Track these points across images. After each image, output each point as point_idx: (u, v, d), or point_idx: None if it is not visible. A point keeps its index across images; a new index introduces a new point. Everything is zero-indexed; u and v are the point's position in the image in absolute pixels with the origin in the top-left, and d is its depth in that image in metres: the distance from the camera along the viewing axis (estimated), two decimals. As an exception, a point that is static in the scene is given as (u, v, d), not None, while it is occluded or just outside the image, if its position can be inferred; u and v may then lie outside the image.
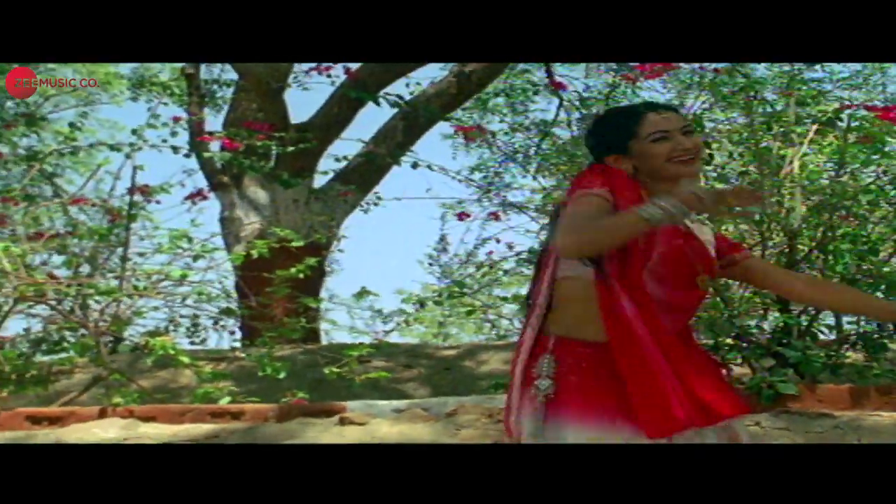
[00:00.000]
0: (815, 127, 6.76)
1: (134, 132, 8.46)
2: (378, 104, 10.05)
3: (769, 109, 7.36)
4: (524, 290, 2.89)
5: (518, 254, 9.97)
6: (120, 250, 7.81)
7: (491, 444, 2.73)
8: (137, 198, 8.18)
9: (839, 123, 6.79)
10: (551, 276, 2.88)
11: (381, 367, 7.40)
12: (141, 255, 8.11)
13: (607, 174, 2.81)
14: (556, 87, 11.11)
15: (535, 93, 12.00)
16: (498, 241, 8.95)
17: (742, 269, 3.05)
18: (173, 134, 9.32)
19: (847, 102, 7.50)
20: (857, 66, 9.25)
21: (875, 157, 6.64)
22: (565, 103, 11.05)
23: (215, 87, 12.14)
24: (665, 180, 2.86)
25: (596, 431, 2.69)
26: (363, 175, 10.70)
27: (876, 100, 7.48)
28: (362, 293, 7.97)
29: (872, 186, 6.50)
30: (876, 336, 6.36)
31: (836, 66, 9.42)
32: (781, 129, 6.85)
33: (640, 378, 2.68)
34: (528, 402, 2.78)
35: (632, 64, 9.45)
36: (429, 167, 9.77)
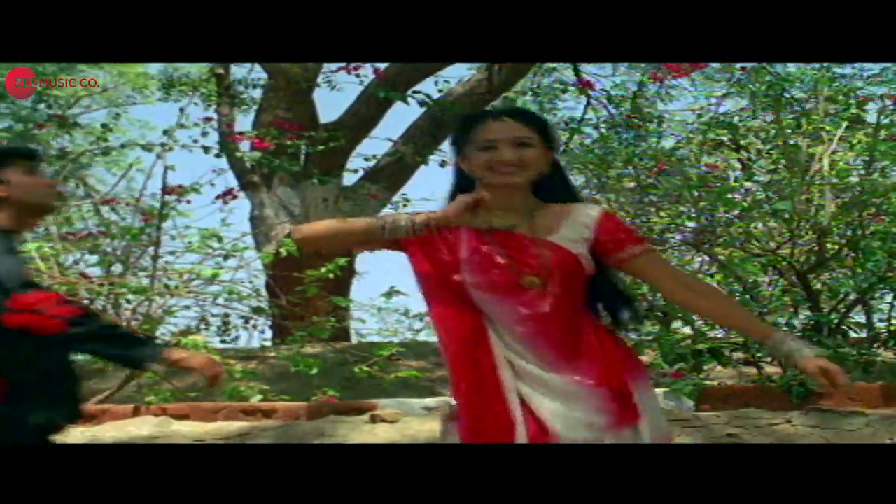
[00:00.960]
0: (845, 124, 6.74)
1: (165, 132, 8.53)
2: (407, 103, 10.09)
3: (798, 107, 7.35)
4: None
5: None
6: (151, 250, 7.86)
7: (523, 443, 2.72)
8: (169, 197, 8.23)
9: (868, 120, 6.77)
10: None
11: (411, 366, 7.41)
12: (172, 254, 8.17)
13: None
14: (583, 86, 11.12)
15: (564, 91, 11.98)
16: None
17: (632, 269, 2.99)
18: (204, 134, 9.40)
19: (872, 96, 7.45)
20: (886, 63, 9.20)
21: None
22: (593, 102, 11.06)
23: (244, 87, 12.18)
24: (487, 187, 2.90)
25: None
26: (392, 174, 10.72)
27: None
28: (391, 293, 7.98)
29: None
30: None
31: (865, 63, 9.38)
32: (811, 127, 6.83)
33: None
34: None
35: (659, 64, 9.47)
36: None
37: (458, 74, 11.50)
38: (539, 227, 2.94)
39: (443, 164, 10.47)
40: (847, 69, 8.95)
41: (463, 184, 2.99)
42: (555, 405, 2.75)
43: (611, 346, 2.90)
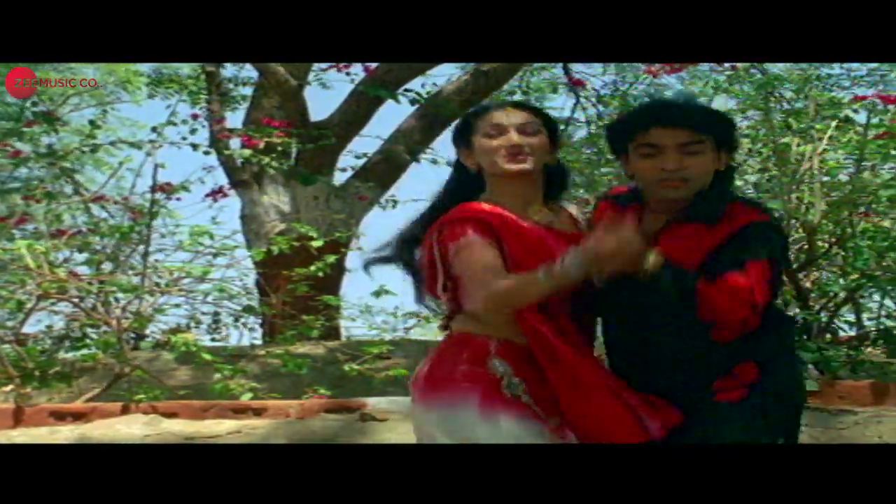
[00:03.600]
0: (834, 123, 6.75)
1: (154, 130, 8.52)
2: (398, 101, 10.08)
3: (787, 106, 7.36)
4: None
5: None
6: (141, 248, 7.84)
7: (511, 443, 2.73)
8: (158, 195, 8.22)
9: (856, 118, 6.79)
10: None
11: (401, 364, 7.40)
12: (162, 251, 8.17)
13: (464, 223, 2.87)
14: (574, 85, 11.12)
15: (554, 90, 11.99)
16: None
17: None
18: (193, 131, 9.39)
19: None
20: (874, 63, 9.23)
21: (894, 152, 6.63)
22: (582, 101, 11.07)
23: (234, 84, 12.15)
24: (495, 176, 2.94)
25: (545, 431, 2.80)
26: (382, 173, 10.69)
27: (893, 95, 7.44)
28: (380, 292, 7.96)
29: (892, 182, 6.47)
30: (896, 333, 6.38)
31: (853, 64, 9.41)
32: (801, 126, 6.84)
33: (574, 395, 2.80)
34: (501, 403, 2.81)
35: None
36: (448, 164, 9.79)
37: (449, 73, 11.49)
38: (562, 223, 3.00)
39: (434, 162, 10.46)
40: (835, 69, 8.99)
41: (463, 179, 2.99)
42: None
43: None
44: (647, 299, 2.77)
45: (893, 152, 6.65)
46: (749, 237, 2.75)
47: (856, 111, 6.86)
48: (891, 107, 6.76)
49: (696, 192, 2.85)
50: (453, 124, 3.14)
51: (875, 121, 6.75)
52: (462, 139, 3.02)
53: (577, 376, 2.78)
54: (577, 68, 11.74)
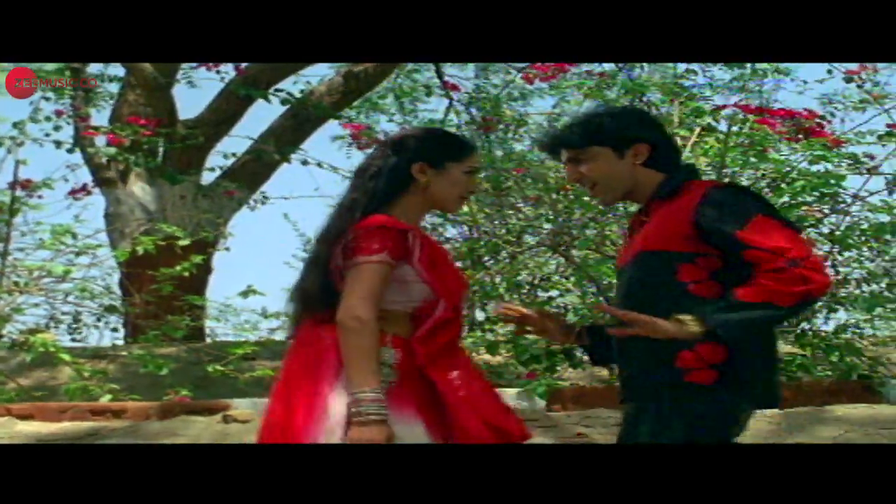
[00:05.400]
0: (698, 130, 6.90)
1: (15, 125, 8.31)
2: (268, 101, 9.99)
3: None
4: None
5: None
6: (1, 246, 7.66)
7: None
8: (19, 192, 8.04)
9: (719, 127, 6.95)
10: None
11: (266, 366, 7.34)
12: (22, 250, 7.99)
13: (383, 236, 2.89)
14: (447, 88, 11.17)
15: (428, 94, 12.03)
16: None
17: None
18: (56, 128, 9.18)
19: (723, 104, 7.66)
20: (735, 71, 9.46)
21: (753, 160, 6.80)
22: (455, 103, 11.12)
23: (101, 81, 11.92)
24: (435, 204, 3.11)
25: (422, 428, 2.84)
26: (252, 173, 10.60)
27: (752, 104, 7.64)
28: (248, 292, 7.89)
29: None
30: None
31: (716, 72, 9.63)
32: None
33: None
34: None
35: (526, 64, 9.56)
36: (319, 165, 9.80)
37: (321, 73, 11.44)
38: None
39: (304, 162, 10.37)
40: (699, 78, 9.17)
41: (396, 186, 3.00)
42: None
43: None
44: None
45: (753, 160, 6.82)
46: (717, 202, 2.84)
47: (717, 121, 7.02)
48: (750, 116, 6.93)
49: (618, 190, 3.06)
50: (420, 135, 3.21)
51: (736, 129, 6.91)
52: (437, 160, 3.05)
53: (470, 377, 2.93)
54: (450, 72, 11.81)
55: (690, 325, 2.67)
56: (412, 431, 2.80)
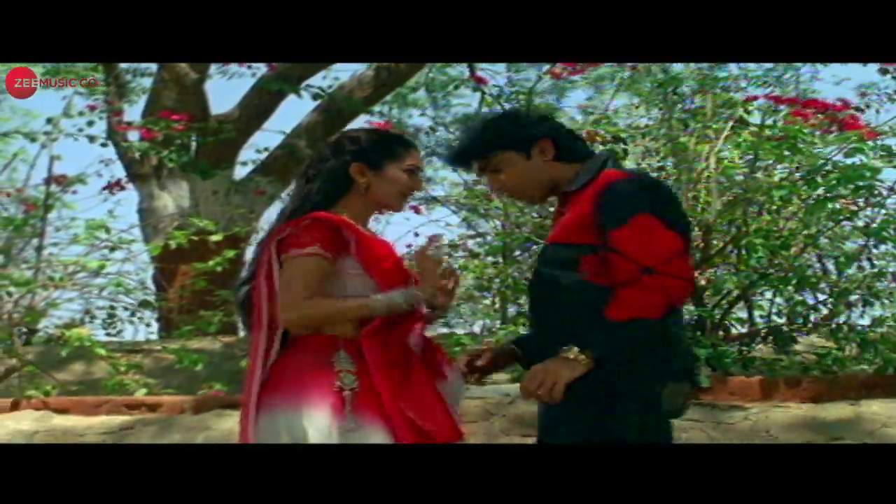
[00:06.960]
0: (730, 123, 6.85)
1: (49, 121, 8.36)
2: (300, 96, 10.02)
3: (686, 106, 7.46)
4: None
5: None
6: (35, 241, 7.70)
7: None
8: (54, 188, 8.08)
9: (752, 119, 6.90)
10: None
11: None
12: (56, 245, 8.03)
13: (315, 229, 2.89)
14: (477, 82, 11.15)
15: (457, 87, 12.02)
16: (417, 234, 8.93)
17: None
18: (90, 123, 9.23)
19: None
20: (769, 64, 9.40)
21: (787, 153, 6.75)
22: (487, 98, 11.10)
23: (133, 76, 11.99)
24: (377, 204, 3.10)
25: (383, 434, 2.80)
26: (284, 167, 10.63)
27: (787, 96, 7.60)
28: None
29: (785, 182, 6.59)
30: (785, 330, 6.49)
31: (750, 65, 9.57)
32: (699, 125, 6.93)
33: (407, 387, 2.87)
34: (320, 399, 2.80)
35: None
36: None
37: (352, 68, 11.45)
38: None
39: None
40: (734, 69, 9.12)
41: (335, 188, 3.01)
42: None
43: None
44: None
45: (787, 153, 6.76)
46: (612, 195, 2.85)
47: (749, 112, 6.97)
48: (783, 107, 6.89)
49: (537, 189, 3.12)
50: (355, 137, 3.14)
51: (769, 121, 6.86)
52: (376, 161, 3.05)
53: (410, 376, 2.89)
54: (483, 66, 11.79)
55: (580, 361, 2.72)
56: (377, 437, 2.78)
